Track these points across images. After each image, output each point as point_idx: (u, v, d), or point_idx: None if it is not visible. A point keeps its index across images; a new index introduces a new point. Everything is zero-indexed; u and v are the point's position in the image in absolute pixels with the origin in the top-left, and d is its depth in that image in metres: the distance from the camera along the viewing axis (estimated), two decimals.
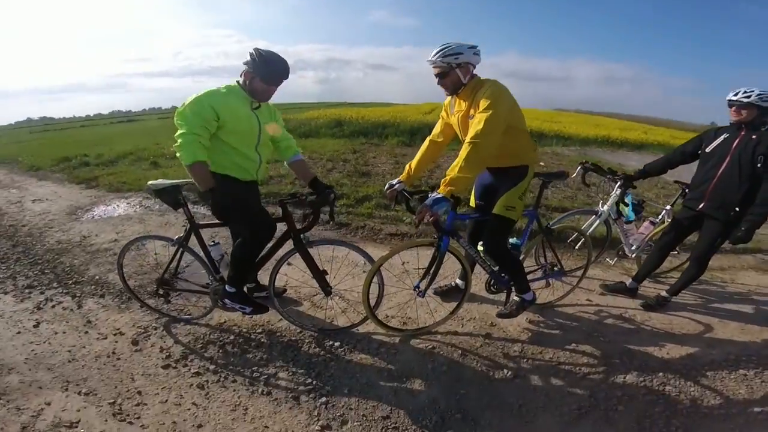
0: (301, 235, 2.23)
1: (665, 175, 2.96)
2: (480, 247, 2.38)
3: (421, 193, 2.16)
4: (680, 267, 3.36)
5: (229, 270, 2.23)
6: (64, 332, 2.47)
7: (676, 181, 3.30)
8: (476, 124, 1.92)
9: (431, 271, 2.31)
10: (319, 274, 2.31)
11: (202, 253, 2.32)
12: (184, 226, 2.37)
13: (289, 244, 2.29)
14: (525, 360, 2.30)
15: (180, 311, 2.67)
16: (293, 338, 2.42)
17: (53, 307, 2.76)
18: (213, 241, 2.38)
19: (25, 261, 3.52)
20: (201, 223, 2.33)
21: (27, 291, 2.96)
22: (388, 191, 2.34)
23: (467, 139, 1.94)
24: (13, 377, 2.07)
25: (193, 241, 2.33)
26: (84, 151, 9.18)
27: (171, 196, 2.17)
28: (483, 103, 1.92)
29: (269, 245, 2.25)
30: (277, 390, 2.04)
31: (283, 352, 2.30)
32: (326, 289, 2.36)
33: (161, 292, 2.48)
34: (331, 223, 4.17)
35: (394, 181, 2.36)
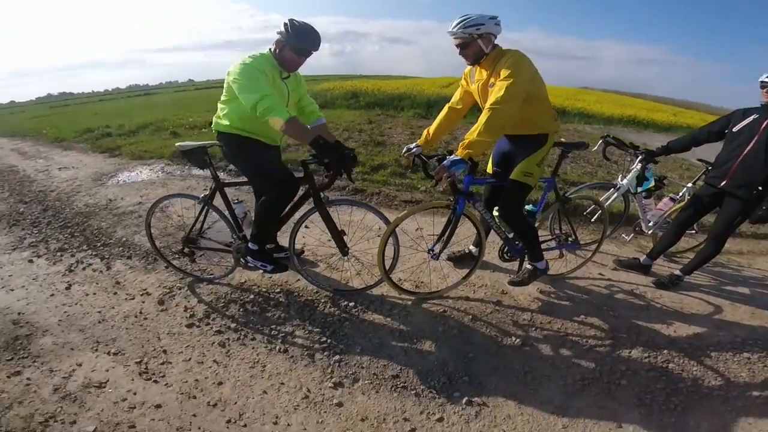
0: (321, 195, 2.29)
1: (689, 155, 2.88)
2: (495, 213, 2.41)
3: (439, 156, 2.18)
4: (696, 248, 3.31)
5: (252, 227, 2.33)
6: (95, 293, 2.60)
7: (699, 160, 3.23)
8: (497, 91, 1.94)
9: (446, 234, 2.38)
10: (338, 235, 2.39)
11: (226, 212, 2.42)
12: (205, 190, 2.46)
13: (308, 205, 2.37)
14: (533, 329, 2.35)
15: (203, 271, 2.80)
16: (310, 298, 2.52)
17: (84, 269, 2.90)
18: (236, 199, 2.50)
19: (55, 224, 3.69)
20: (225, 181, 2.42)
21: (59, 254, 3.11)
22: (405, 154, 2.38)
23: (487, 105, 1.97)
24: (46, 339, 2.18)
25: (218, 201, 2.43)
26: (105, 122, 9.38)
27: (198, 156, 2.29)
28: (504, 72, 1.94)
29: (291, 205, 2.34)
30: (293, 348, 2.15)
31: (300, 311, 2.41)
32: (344, 250, 2.44)
33: (186, 250, 2.60)
34: (349, 186, 4.25)
35: (412, 145, 2.39)
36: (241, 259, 2.44)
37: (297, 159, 4.95)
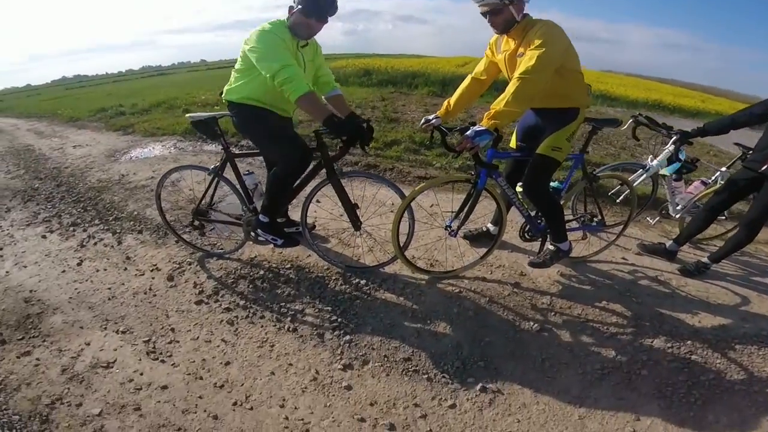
0: (335, 167, 2.20)
1: (718, 141, 2.69)
2: (519, 189, 2.29)
3: (462, 127, 2.06)
4: (724, 235, 3.13)
5: (263, 199, 2.27)
6: (105, 269, 2.59)
7: (736, 144, 3.01)
8: (527, 60, 1.81)
9: (465, 210, 2.27)
10: (351, 208, 2.31)
11: (237, 184, 2.37)
12: (217, 163, 2.39)
13: (320, 178, 2.29)
14: (553, 313, 2.25)
15: (213, 245, 2.77)
16: (320, 275, 2.46)
17: (95, 244, 2.90)
18: (247, 171, 2.44)
19: (69, 199, 3.71)
20: (236, 152, 2.36)
21: (71, 229, 3.12)
22: (423, 126, 2.25)
23: (516, 74, 1.83)
24: (57, 318, 2.17)
25: (229, 174, 2.38)
26: (119, 102, 9.43)
27: (209, 127, 2.25)
28: (536, 41, 1.81)
29: (303, 176, 2.26)
30: (303, 326, 2.10)
31: (310, 288, 2.35)
32: (357, 224, 2.36)
33: (197, 223, 2.56)
34: (362, 161, 4.15)
35: (431, 117, 2.26)
36: (252, 233, 2.38)
37: (310, 133, 4.88)
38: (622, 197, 3.07)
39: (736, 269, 2.87)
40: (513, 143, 2.39)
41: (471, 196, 2.22)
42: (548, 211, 2.25)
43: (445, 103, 2.30)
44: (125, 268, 2.60)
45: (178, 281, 2.45)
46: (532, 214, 2.38)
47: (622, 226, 2.76)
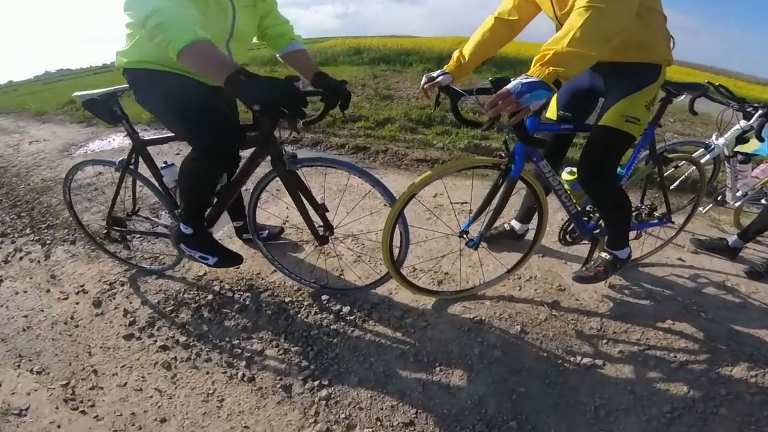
0: (284, 151, 1.54)
1: None
2: (566, 176, 1.69)
3: (492, 81, 1.28)
4: None
5: (180, 201, 1.66)
6: (26, 291, 2.09)
7: None
8: None
9: (490, 209, 1.62)
10: (310, 215, 1.66)
11: (153, 180, 1.77)
12: (122, 159, 1.81)
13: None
14: (605, 341, 1.67)
15: (153, 260, 2.17)
16: (287, 300, 1.86)
17: (20, 259, 2.37)
18: (165, 162, 1.82)
19: (5, 204, 3.17)
20: (146, 139, 1.75)
21: None
22: (426, 86, 1.56)
23: (581, 3, 1.16)
24: None
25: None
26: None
27: (104, 108, 1.67)
28: None
29: (236, 166, 1.61)
30: (263, 374, 1.53)
31: (273, 320, 1.76)
32: (323, 236, 1.72)
33: (115, 235, 1.99)
34: (349, 143, 3.49)
35: (435, 74, 1.58)
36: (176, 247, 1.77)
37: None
38: (678, 182, 2.47)
39: None
40: (551, 113, 1.74)
41: (498, 187, 1.58)
42: (613, 208, 1.63)
43: (456, 53, 1.60)
44: (48, 290, 2.07)
45: (106, 308, 1.89)
46: (577, 210, 1.75)
47: (685, 219, 2.16)
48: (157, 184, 1.78)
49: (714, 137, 2.38)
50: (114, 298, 1.93)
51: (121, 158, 1.79)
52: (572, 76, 1.19)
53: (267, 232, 2.15)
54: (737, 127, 2.25)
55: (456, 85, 1.56)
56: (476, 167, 1.62)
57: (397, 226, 1.60)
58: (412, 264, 2.00)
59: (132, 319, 1.79)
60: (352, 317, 1.75)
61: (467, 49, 1.60)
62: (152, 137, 1.76)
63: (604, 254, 1.76)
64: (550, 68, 1.13)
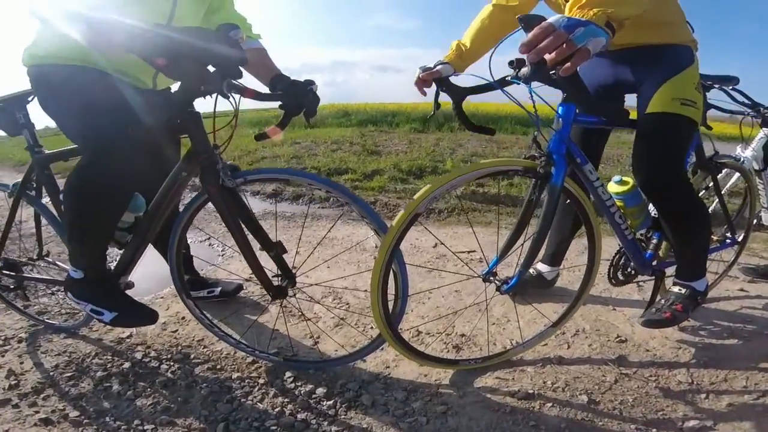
0: (219, 164, 1.09)
1: None
2: (614, 187, 1.29)
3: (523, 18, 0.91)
4: None
5: (66, 228, 1.19)
6: None
7: None
8: None
9: (522, 237, 1.18)
10: (252, 250, 1.16)
11: (52, 207, 1.35)
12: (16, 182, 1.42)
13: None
14: (703, 395, 1.18)
15: (69, 315, 1.60)
16: (236, 375, 1.28)
17: None
18: None
19: None
20: (50, 153, 1.33)
21: None
22: (422, 76, 1.19)
23: None
24: None
25: None
26: None
27: (6, 115, 1.32)
28: None
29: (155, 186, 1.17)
30: None
31: (209, 402, 1.17)
32: (278, 287, 1.21)
33: (6, 281, 1.49)
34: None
35: (432, 64, 1.23)
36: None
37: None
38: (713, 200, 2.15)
39: None
40: None
41: (534, 203, 1.15)
42: (689, 223, 1.24)
43: (455, 44, 1.28)
44: None
45: None
46: (635, 236, 1.33)
47: (741, 240, 1.74)
48: (56, 213, 1.34)
49: (739, 149, 2.10)
50: (5, 355, 1.37)
51: (15, 181, 1.38)
52: (625, 17, 0.93)
53: (219, 289, 1.66)
54: (761, 135, 2.03)
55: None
56: (500, 173, 1.16)
57: (392, 264, 1.12)
58: (414, 326, 1.50)
59: (15, 381, 1.22)
60: (330, 402, 1.16)
61: (467, 37, 1.30)
62: (57, 150, 1.32)
63: (676, 288, 1.33)
64: (596, 9, 0.85)
